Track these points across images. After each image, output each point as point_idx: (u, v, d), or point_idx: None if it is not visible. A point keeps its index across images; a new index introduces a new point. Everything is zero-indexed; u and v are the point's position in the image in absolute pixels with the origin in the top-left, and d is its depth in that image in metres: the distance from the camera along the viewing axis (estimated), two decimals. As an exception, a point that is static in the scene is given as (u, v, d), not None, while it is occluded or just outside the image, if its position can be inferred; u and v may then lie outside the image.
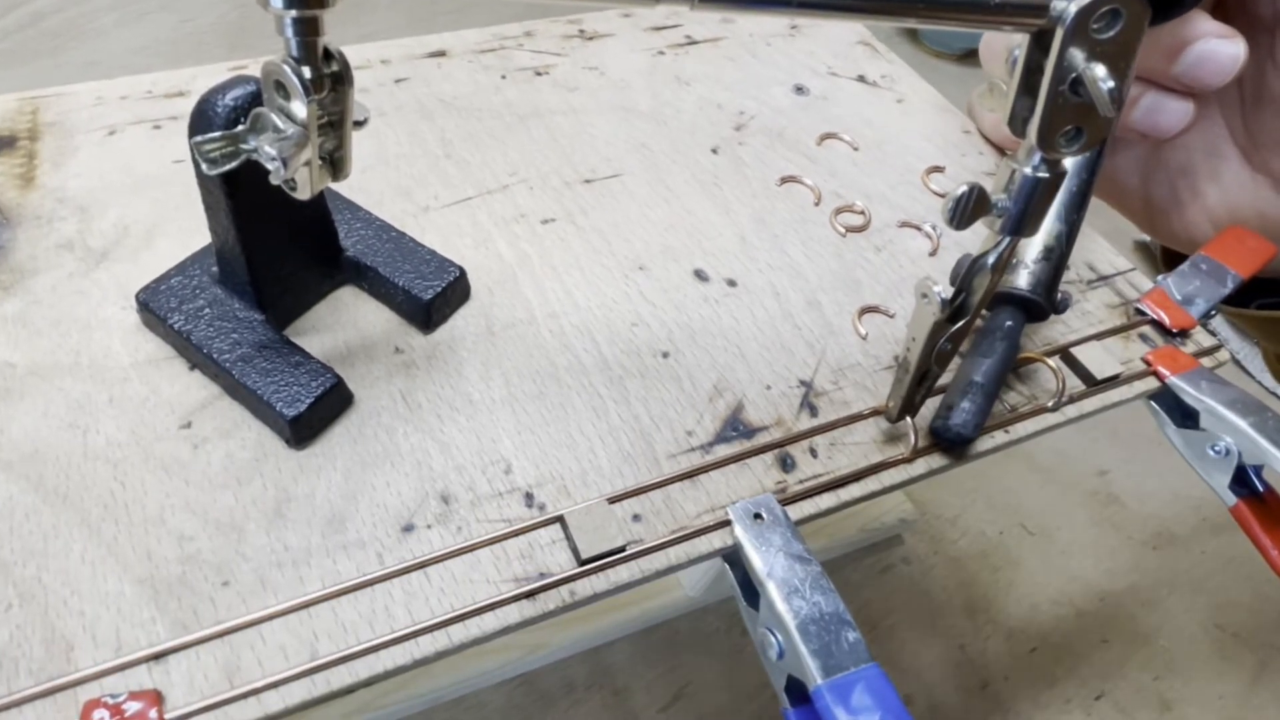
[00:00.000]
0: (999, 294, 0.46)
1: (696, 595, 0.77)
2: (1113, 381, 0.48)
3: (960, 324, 0.38)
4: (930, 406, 0.45)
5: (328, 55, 0.33)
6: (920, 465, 0.43)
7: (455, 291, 0.46)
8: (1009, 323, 0.45)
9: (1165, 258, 0.61)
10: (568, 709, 0.74)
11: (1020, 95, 0.33)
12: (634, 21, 0.68)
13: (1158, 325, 0.51)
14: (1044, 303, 0.46)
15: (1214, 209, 0.53)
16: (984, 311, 0.47)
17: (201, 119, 0.37)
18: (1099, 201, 0.50)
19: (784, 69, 0.66)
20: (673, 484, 0.41)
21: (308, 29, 0.32)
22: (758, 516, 0.39)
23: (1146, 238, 0.61)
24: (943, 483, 0.93)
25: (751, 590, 0.38)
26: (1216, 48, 0.45)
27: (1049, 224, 0.48)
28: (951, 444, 0.43)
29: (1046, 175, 0.34)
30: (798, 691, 0.35)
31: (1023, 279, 0.46)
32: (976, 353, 0.44)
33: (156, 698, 0.32)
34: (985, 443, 0.45)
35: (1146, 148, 0.55)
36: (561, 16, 0.67)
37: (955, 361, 0.46)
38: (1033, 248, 0.47)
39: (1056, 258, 0.47)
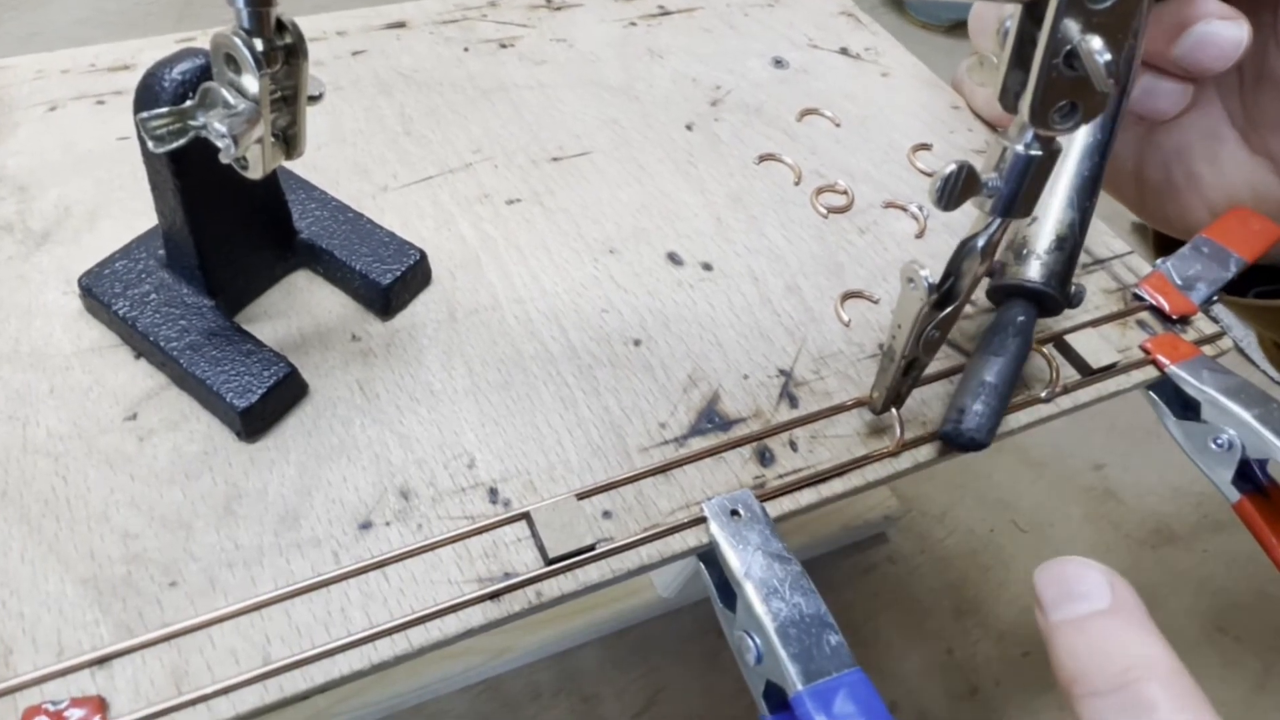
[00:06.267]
0: (1010, 287, 0.46)
1: (670, 596, 0.77)
2: (1109, 371, 0.48)
3: (949, 310, 0.38)
4: (916, 397, 0.45)
5: (280, 26, 0.33)
6: (906, 459, 0.44)
7: (415, 276, 0.46)
8: (1021, 317, 0.45)
9: (1158, 243, 0.62)
10: (535, 716, 0.74)
11: (1012, 69, 0.33)
12: (606, -9, 0.68)
13: (1157, 311, 0.51)
14: (1057, 295, 0.45)
15: (1210, 192, 0.54)
16: (994, 305, 0.47)
17: (147, 94, 0.37)
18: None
19: (762, 41, 0.66)
20: (645, 479, 0.41)
21: (259, -2, 0.32)
22: (734, 513, 0.39)
23: (1145, 220, 0.61)
24: (930, 477, 0.93)
25: (728, 591, 0.38)
26: (1219, 30, 0.45)
27: (1060, 212, 0.47)
28: (963, 449, 0.43)
29: (1040, 153, 0.34)
30: (777, 698, 0.35)
31: (1034, 270, 0.46)
32: (987, 350, 0.44)
33: (100, 704, 0.32)
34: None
35: (1142, 129, 0.55)
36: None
37: (946, 351, 0.47)
38: (1044, 237, 0.46)
39: (1070, 247, 0.46)
